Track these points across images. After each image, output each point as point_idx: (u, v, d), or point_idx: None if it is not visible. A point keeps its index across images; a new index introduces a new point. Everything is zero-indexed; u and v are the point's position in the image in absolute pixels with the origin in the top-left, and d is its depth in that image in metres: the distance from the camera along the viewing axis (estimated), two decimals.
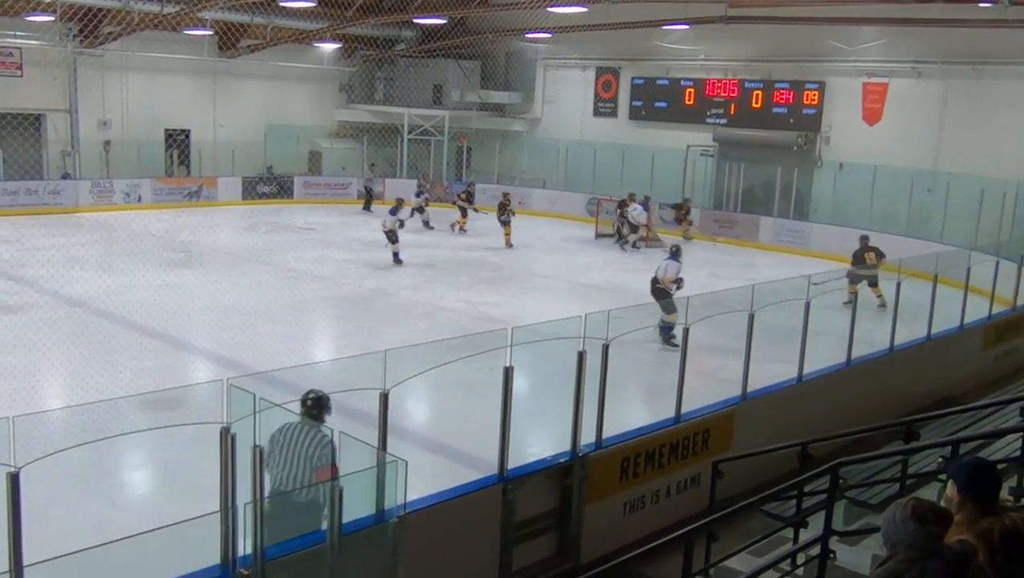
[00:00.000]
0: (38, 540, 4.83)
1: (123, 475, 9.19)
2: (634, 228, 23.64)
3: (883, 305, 15.23)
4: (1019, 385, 12.39)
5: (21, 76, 25.67)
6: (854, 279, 15.87)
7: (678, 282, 14.05)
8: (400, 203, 21.58)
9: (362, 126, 32.51)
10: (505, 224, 23.31)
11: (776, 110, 26.35)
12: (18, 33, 24.95)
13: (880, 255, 17.18)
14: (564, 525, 7.55)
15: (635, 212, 23.49)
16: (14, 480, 4.52)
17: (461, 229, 25.13)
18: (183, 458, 8.69)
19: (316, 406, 6.21)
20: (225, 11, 25.96)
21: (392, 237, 20.29)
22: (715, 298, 11.19)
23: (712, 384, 10.19)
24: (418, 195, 26.23)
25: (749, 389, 9.45)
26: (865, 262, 16.96)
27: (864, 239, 17.98)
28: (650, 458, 8.25)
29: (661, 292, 14.02)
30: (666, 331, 13.60)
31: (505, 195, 24.51)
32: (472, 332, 9.40)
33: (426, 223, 25.64)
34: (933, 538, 3.43)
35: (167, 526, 4.64)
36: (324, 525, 5.54)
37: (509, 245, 23.21)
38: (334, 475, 5.99)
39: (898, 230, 21.92)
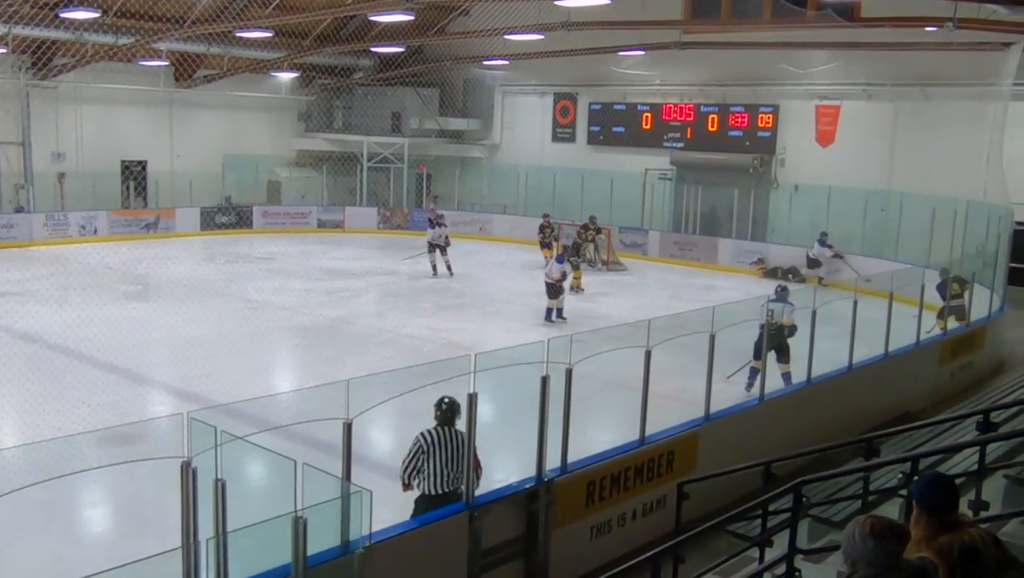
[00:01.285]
0: None
1: (82, 513, 9.00)
2: (816, 264, 22.51)
3: None
4: (975, 399, 12.57)
5: None
6: (944, 313, 14.86)
7: (791, 328, 12.59)
8: (566, 251, 17.77)
9: (321, 155, 32.45)
10: (576, 268, 20.49)
11: (732, 133, 26.71)
12: None
13: (963, 284, 15.52)
14: (531, 551, 7.52)
15: (815, 249, 22.59)
16: None
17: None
18: (143, 494, 8.56)
19: (451, 410, 7.07)
20: (181, 42, 25.83)
21: (555, 290, 17.33)
22: (677, 320, 11.27)
23: (676, 406, 10.25)
24: (432, 226, 22.43)
25: (712, 409, 9.52)
26: (958, 292, 15.39)
27: (945, 271, 15.87)
28: (615, 481, 8.27)
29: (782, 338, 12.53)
30: (787, 377, 12.35)
31: (579, 234, 21.91)
32: (435, 359, 9.39)
33: (448, 266, 22.10)
34: (892, 555, 3.47)
35: (128, 564, 4.57)
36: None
37: (578, 289, 20.21)
38: (480, 464, 7.14)
39: (854, 250, 22.27)
